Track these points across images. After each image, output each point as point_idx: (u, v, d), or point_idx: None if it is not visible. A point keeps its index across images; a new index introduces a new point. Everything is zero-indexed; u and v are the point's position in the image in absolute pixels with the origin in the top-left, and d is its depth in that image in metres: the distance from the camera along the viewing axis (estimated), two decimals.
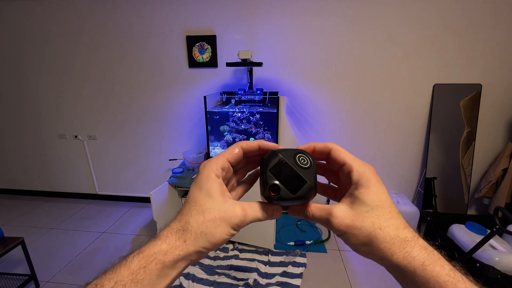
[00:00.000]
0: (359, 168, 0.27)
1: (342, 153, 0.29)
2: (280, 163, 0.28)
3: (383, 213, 0.26)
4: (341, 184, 0.31)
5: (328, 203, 2.41)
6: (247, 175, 0.35)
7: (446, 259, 0.24)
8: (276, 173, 0.28)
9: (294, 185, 0.27)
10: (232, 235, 0.27)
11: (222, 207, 0.27)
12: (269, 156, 0.29)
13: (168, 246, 0.25)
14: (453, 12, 1.93)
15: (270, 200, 0.28)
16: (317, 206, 0.29)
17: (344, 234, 0.26)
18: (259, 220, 0.28)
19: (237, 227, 0.27)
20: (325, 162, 0.32)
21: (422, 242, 0.25)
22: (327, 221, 0.27)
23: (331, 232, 2.24)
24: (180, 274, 0.26)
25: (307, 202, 0.29)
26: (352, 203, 0.27)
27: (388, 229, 0.25)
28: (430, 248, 0.24)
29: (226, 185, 0.31)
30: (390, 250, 0.24)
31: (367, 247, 0.26)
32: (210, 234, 0.26)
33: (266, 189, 0.28)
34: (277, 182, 0.27)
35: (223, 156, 0.29)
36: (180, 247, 0.25)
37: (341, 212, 0.27)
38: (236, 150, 0.30)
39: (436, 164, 2.19)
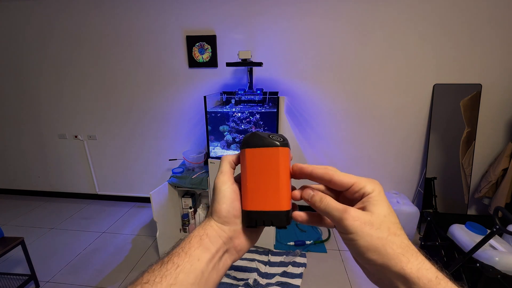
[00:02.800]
0: (370, 183, 0.28)
1: (347, 175, 0.29)
2: None
3: (396, 223, 0.26)
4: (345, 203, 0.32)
5: None
6: None
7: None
8: None
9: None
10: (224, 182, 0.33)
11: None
12: None
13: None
14: (453, 12, 1.93)
15: None
16: (331, 198, 0.29)
17: (356, 234, 0.26)
18: (229, 163, 0.34)
19: (222, 176, 0.33)
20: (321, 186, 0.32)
21: (425, 255, 0.25)
22: (340, 217, 0.27)
23: (331, 232, 2.24)
24: (221, 251, 0.30)
25: None
26: (365, 210, 0.27)
27: (403, 237, 0.26)
28: (433, 263, 0.25)
29: None
30: (406, 258, 0.24)
31: (378, 252, 0.25)
32: (217, 189, 0.33)
33: None
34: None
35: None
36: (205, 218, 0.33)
37: (356, 211, 0.27)
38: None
39: (436, 164, 2.18)
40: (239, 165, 0.34)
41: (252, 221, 0.31)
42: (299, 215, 0.32)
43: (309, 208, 0.32)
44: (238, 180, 0.34)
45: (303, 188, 0.32)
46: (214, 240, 0.30)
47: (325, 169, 0.30)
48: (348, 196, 0.30)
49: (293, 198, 0.32)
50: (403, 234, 0.26)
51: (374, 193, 0.28)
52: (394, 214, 0.27)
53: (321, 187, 0.31)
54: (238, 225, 0.32)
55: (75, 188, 2.94)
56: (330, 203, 0.29)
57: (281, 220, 0.30)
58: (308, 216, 0.32)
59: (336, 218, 0.27)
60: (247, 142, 0.32)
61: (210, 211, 0.33)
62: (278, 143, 0.30)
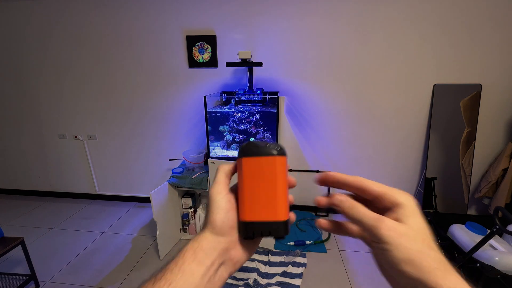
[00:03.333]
0: (402, 194, 0.28)
1: (377, 184, 0.29)
2: None
3: (430, 237, 0.25)
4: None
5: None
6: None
7: None
8: None
9: None
10: (219, 194, 0.32)
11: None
12: None
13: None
14: (453, 12, 1.93)
15: None
16: (363, 205, 0.28)
17: (391, 244, 0.24)
18: (225, 173, 0.34)
19: (217, 186, 0.32)
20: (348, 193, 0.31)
21: (460, 272, 0.24)
22: (374, 225, 0.26)
23: (333, 234, 2.24)
24: (216, 264, 0.29)
25: None
26: (398, 221, 0.26)
27: (437, 251, 0.24)
28: (467, 281, 0.24)
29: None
30: (442, 273, 0.22)
31: (414, 265, 0.23)
32: (212, 199, 0.32)
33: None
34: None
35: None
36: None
37: (391, 221, 0.26)
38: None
39: (436, 164, 2.18)
40: (235, 175, 0.34)
41: (250, 232, 0.30)
42: (324, 223, 0.32)
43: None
44: (234, 190, 0.34)
45: (331, 195, 0.31)
46: (208, 252, 0.29)
47: (356, 177, 0.30)
48: (376, 206, 0.29)
49: (318, 204, 0.31)
50: (438, 249, 0.25)
51: (408, 204, 0.26)
52: (428, 227, 0.26)
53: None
54: (234, 235, 0.31)
55: (75, 188, 2.94)
56: (362, 210, 0.28)
57: (279, 230, 0.30)
58: (332, 225, 0.32)
59: (368, 226, 0.26)
60: (243, 151, 0.31)
61: (204, 223, 0.32)
62: (275, 151, 0.30)
